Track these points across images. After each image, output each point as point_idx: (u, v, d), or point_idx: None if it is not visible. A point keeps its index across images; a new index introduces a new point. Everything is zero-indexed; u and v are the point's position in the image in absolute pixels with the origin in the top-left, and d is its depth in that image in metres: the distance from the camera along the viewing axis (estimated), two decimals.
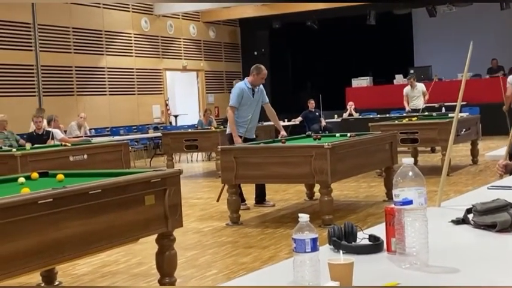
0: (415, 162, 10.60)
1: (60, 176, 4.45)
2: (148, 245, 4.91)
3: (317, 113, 16.15)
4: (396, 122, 10.94)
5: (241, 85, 8.11)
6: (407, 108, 13.94)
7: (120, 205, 3.94)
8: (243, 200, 7.91)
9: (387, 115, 14.04)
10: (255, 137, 8.32)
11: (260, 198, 8.17)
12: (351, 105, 16.65)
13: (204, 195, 9.44)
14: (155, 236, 4.33)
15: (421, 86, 14.05)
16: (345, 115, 16.28)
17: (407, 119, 11.22)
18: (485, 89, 16.98)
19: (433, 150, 13.49)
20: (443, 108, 15.38)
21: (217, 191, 7.88)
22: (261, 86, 8.20)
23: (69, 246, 3.61)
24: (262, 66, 8.12)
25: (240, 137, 7.86)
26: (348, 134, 8.06)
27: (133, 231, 4.07)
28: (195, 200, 8.85)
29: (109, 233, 3.87)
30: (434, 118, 11.55)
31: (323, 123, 15.95)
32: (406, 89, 14.16)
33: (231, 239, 6.30)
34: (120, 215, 3.94)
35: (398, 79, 19.21)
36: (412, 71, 18.88)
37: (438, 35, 20.62)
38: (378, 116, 14.31)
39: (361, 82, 19.54)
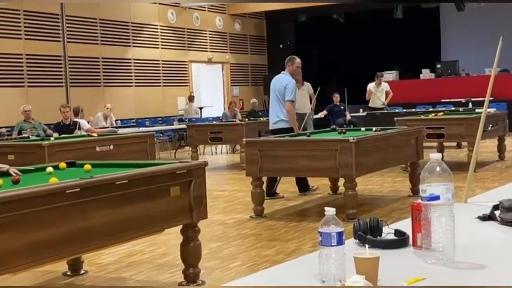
0: (441, 158, 10.54)
1: (88, 166, 4.49)
2: (173, 235, 4.95)
3: (342, 107, 16.06)
4: (422, 116, 10.85)
5: (290, 79, 7.95)
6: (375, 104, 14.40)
7: (146, 196, 3.98)
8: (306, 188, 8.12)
9: (413, 110, 13.94)
10: None
11: (269, 191, 7.89)
12: None
13: (228, 187, 9.46)
14: (180, 227, 4.37)
15: (385, 85, 14.48)
16: None
17: (433, 114, 11.13)
18: None
19: (459, 146, 13.38)
20: (470, 103, 15.22)
21: (241, 183, 7.88)
22: None
23: (96, 235, 3.65)
24: (294, 56, 8.20)
25: None
26: (374, 129, 8.02)
27: (159, 221, 4.11)
28: (219, 192, 8.88)
29: (135, 223, 3.91)
30: (461, 113, 11.44)
31: (348, 117, 15.86)
32: (372, 87, 14.42)
33: (255, 232, 6.33)
34: (145, 205, 3.98)
35: (425, 73, 19.06)
36: (441, 67, 18.74)
37: (466, 30, 20.39)
38: (404, 110, 14.21)
39: (387, 76, 19.36)
